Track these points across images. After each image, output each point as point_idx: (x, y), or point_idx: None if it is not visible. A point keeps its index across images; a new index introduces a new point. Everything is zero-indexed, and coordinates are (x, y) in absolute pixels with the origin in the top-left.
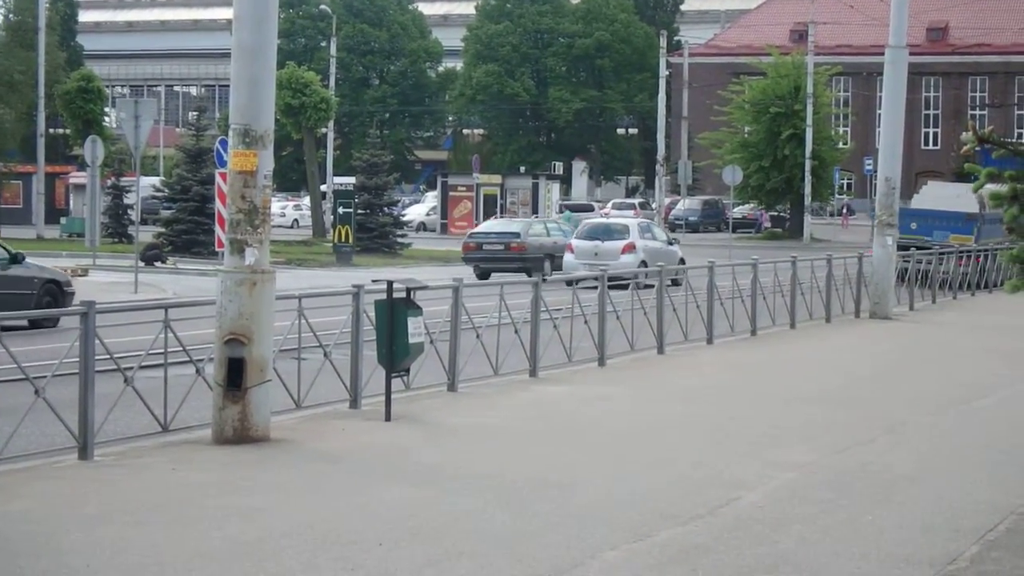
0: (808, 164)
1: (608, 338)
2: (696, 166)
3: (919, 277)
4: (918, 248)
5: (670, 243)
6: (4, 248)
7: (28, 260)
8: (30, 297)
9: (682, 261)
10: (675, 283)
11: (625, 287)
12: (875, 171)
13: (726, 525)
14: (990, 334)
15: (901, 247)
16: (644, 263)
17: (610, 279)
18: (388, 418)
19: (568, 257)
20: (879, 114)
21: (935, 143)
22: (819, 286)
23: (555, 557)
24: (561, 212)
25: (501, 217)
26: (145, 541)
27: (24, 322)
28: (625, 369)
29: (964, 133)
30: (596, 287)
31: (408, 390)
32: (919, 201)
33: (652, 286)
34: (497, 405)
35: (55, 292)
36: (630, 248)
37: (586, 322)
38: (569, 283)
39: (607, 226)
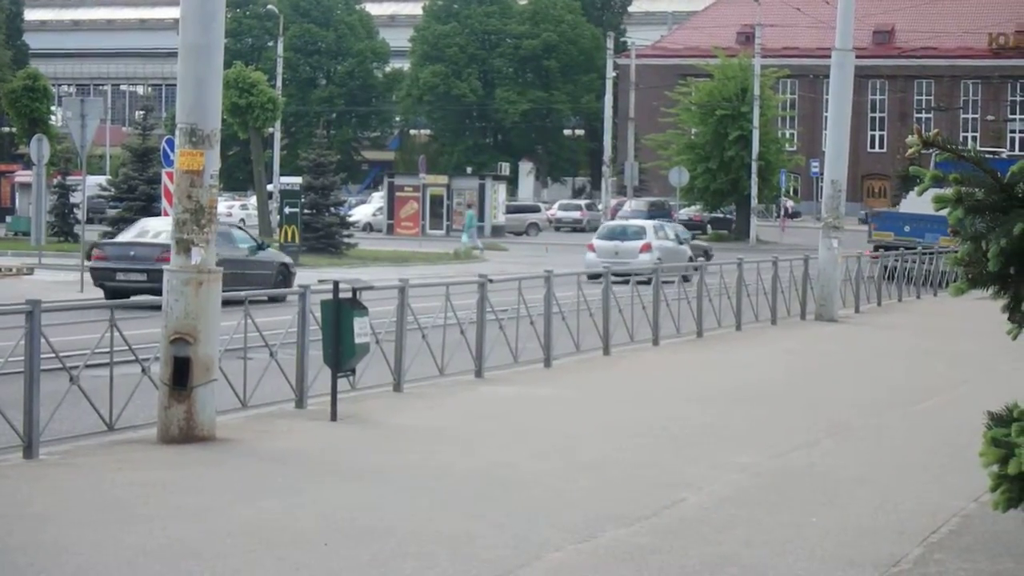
0: (754, 166)
1: (554, 339)
2: (643, 167)
3: (890, 275)
4: (907, 248)
5: (680, 242)
6: (252, 238)
7: (269, 248)
8: (271, 276)
9: (691, 258)
10: (685, 279)
11: (648, 282)
12: (821, 173)
13: (671, 526)
14: (934, 336)
15: (891, 247)
16: (660, 260)
17: (629, 275)
18: (334, 418)
19: (590, 256)
20: (826, 116)
21: (881, 146)
22: (765, 288)
23: (501, 558)
24: (469, 208)
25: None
26: (90, 540)
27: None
28: (571, 370)
29: (909, 136)
30: (621, 281)
31: (354, 390)
32: (910, 205)
33: (671, 282)
34: (443, 405)
35: (286, 273)
36: (647, 248)
37: (532, 323)
38: (591, 277)
39: (625, 228)
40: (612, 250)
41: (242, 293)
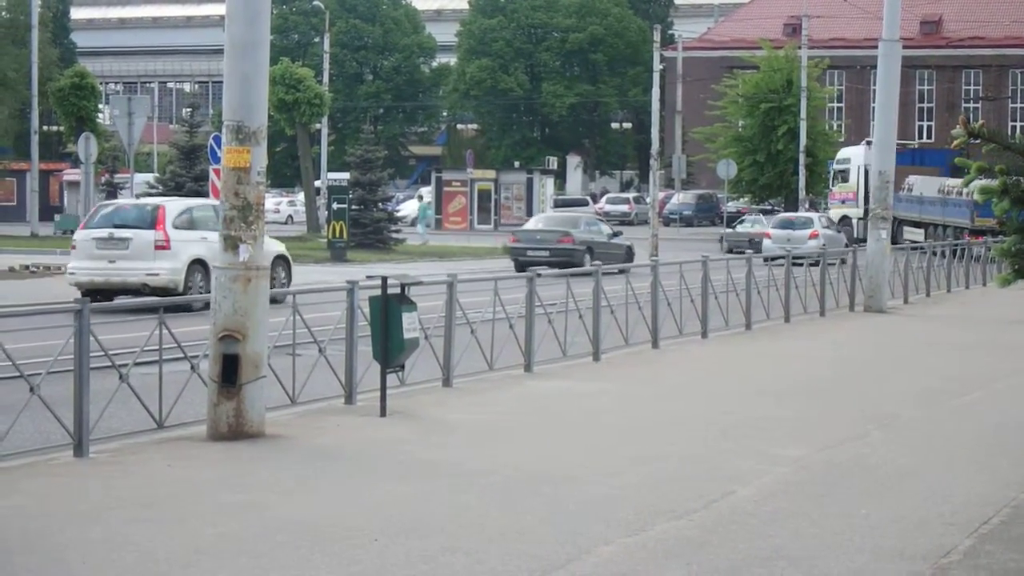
0: (802, 158)
1: (603, 333)
2: (690, 160)
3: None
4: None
5: (838, 231)
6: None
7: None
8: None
9: (846, 244)
10: (843, 261)
11: (816, 264)
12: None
13: (721, 519)
14: (982, 327)
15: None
16: (824, 245)
17: (799, 257)
18: (383, 414)
19: (767, 242)
20: (873, 108)
21: (929, 136)
22: (814, 280)
23: (550, 552)
24: (420, 199)
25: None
26: (141, 537)
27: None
28: (619, 364)
29: (956, 128)
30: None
31: (403, 386)
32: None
33: (833, 263)
34: (492, 400)
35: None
36: (815, 235)
37: (580, 316)
38: (767, 259)
39: (794, 219)
40: (785, 237)
41: (289, 290)
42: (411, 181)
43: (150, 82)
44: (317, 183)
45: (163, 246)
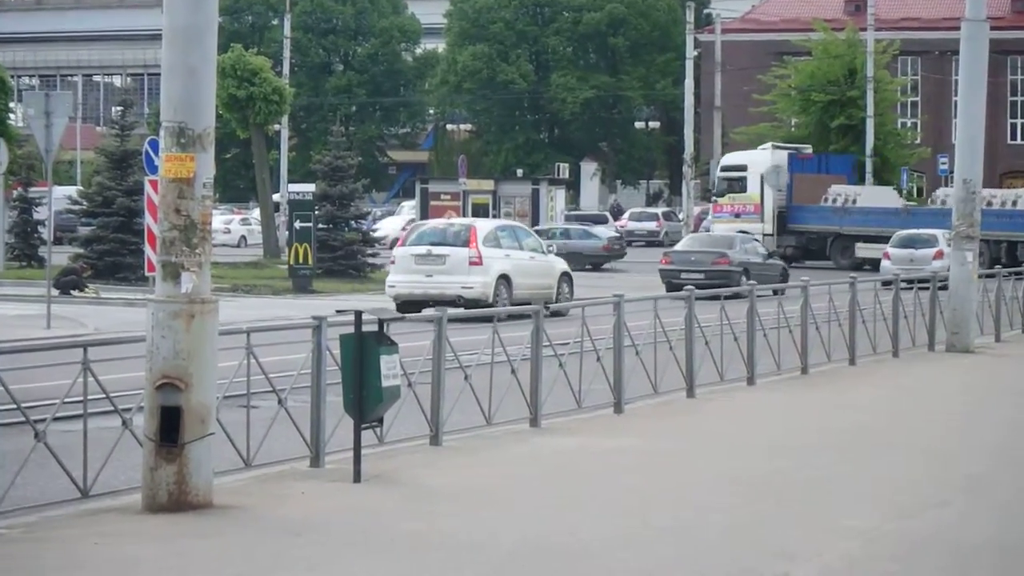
0: (868, 163)
1: (626, 378)
2: None
3: None
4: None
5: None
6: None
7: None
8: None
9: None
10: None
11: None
12: (951, 171)
13: None
14: None
15: None
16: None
17: (921, 281)
18: (357, 479)
19: (885, 263)
20: (955, 102)
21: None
22: (884, 313)
23: None
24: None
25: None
26: None
27: None
28: (646, 417)
29: None
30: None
31: (382, 444)
32: None
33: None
34: (490, 461)
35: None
36: (940, 255)
37: (599, 359)
38: (885, 283)
39: (916, 236)
40: (907, 258)
41: (243, 325)
42: (391, 194)
43: (72, 75)
44: (276, 197)
45: (476, 262)
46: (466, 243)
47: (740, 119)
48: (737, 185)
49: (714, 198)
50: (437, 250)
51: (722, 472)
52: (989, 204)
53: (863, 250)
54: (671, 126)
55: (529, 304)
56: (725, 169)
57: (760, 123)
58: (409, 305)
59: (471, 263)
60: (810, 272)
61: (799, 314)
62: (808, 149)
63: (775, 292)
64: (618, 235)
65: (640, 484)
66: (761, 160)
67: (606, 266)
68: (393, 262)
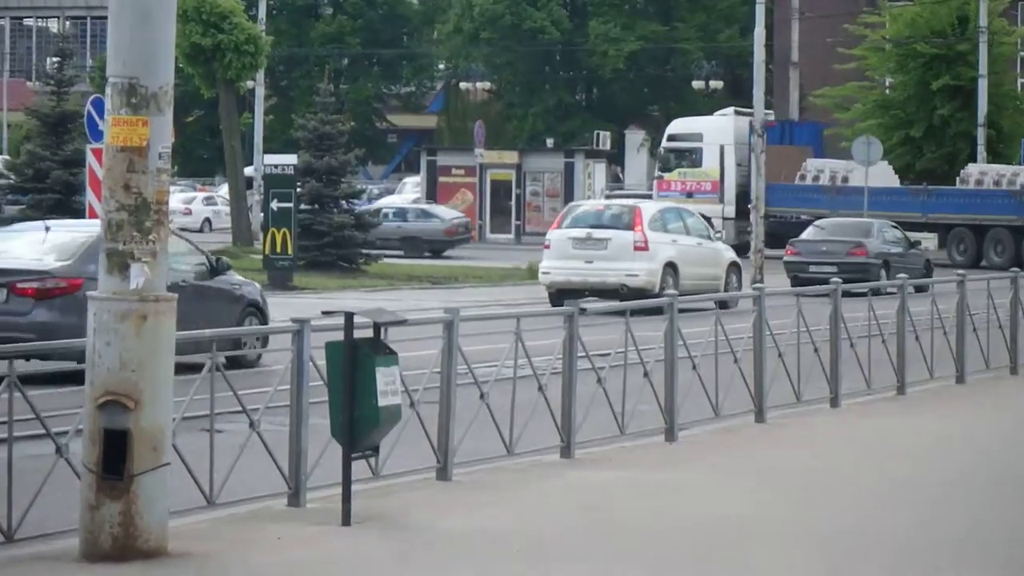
0: (981, 133)
1: (679, 399)
2: None
3: None
4: None
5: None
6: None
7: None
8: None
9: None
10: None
11: None
12: None
13: None
14: None
15: None
16: None
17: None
18: (347, 521)
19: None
20: None
21: None
22: (999, 318)
23: None
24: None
25: None
26: None
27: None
28: (705, 445)
29: None
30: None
31: (377, 478)
32: None
33: None
34: (511, 500)
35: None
36: None
37: (646, 374)
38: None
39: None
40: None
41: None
42: (391, 167)
43: None
44: (248, 171)
45: (641, 247)
46: (630, 226)
47: (822, 78)
48: (689, 158)
49: (659, 173)
50: (598, 233)
51: (794, 517)
52: (979, 183)
53: None
54: (737, 86)
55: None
56: (673, 138)
57: (847, 82)
58: (565, 294)
59: (636, 248)
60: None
61: (895, 319)
62: (770, 115)
63: (916, 289)
64: (462, 217)
65: (696, 531)
66: (720, 128)
67: (448, 253)
68: (547, 246)
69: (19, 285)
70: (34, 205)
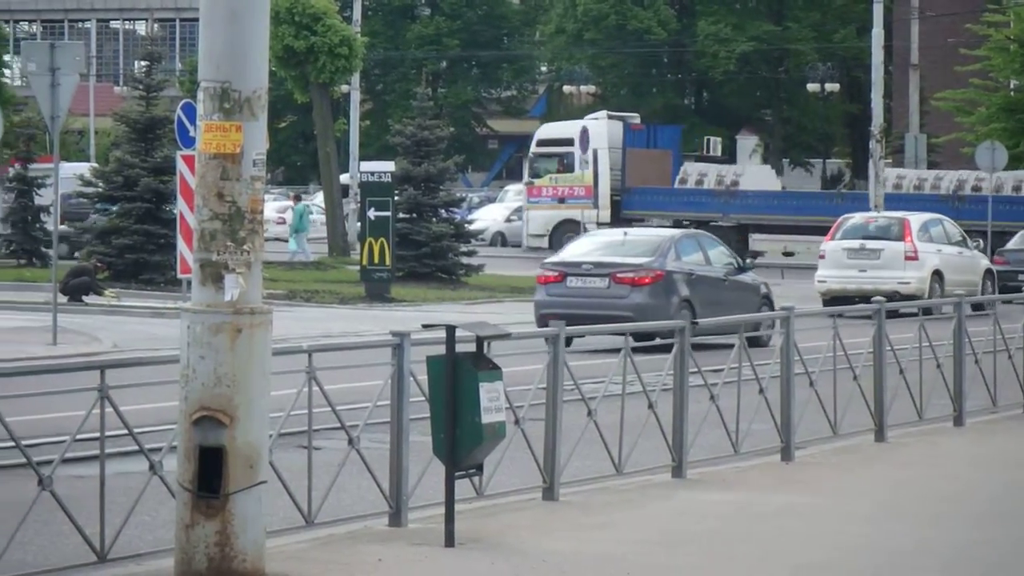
0: None
1: (795, 416)
2: (933, 142)
3: None
4: None
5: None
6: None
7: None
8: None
9: None
10: None
11: None
12: None
13: None
14: None
15: None
16: None
17: None
18: (450, 542)
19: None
20: None
21: None
22: None
23: None
24: (298, 201)
25: None
26: None
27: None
28: (824, 465)
29: None
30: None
31: (481, 497)
32: None
33: None
34: (619, 522)
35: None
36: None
37: (761, 391)
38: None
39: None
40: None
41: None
42: (492, 174)
43: (84, 20)
44: (344, 178)
45: (912, 257)
46: (900, 237)
47: (944, 81)
48: (561, 163)
49: (528, 179)
50: (871, 244)
51: (923, 545)
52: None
53: (759, 243)
54: (854, 90)
55: None
56: (543, 143)
57: (971, 85)
58: (839, 301)
59: (907, 258)
60: None
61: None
62: (636, 118)
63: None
64: None
65: (815, 559)
66: (599, 132)
67: None
68: (823, 256)
69: (619, 275)
70: (123, 214)
